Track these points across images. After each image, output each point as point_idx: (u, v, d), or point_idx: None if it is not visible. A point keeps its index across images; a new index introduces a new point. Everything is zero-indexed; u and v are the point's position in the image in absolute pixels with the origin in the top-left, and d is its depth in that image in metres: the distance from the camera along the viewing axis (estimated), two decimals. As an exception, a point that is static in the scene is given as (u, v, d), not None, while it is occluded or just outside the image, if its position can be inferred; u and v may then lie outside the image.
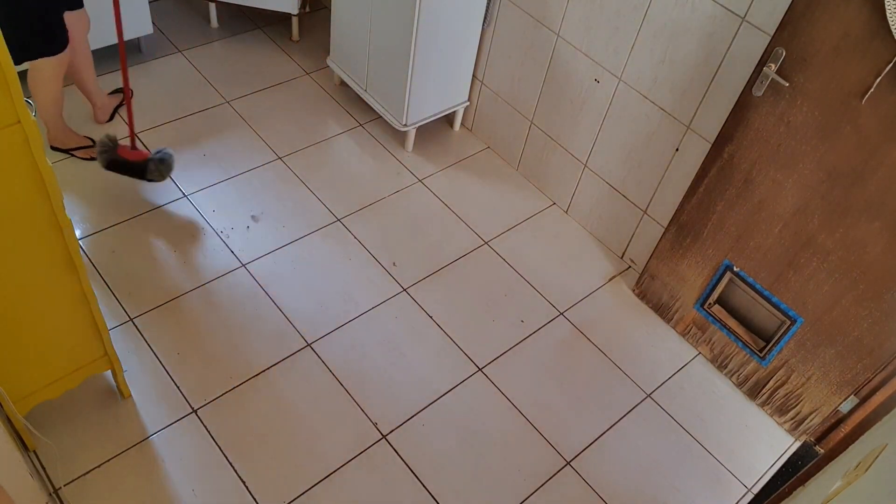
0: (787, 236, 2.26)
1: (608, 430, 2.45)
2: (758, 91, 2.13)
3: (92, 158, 2.88)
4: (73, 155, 2.92)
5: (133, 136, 2.72)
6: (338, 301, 2.64)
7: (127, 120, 2.74)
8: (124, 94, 2.83)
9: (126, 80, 2.63)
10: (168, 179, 2.82)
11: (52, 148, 2.91)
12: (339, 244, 2.82)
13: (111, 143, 2.69)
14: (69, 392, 2.13)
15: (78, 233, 2.65)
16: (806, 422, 2.50)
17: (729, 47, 2.27)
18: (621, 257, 2.98)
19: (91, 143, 2.94)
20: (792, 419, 2.53)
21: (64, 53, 2.61)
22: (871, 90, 1.90)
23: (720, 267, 2.49)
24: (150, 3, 3.20)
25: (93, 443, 2.16)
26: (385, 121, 3.28)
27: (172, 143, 3.05)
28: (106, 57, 3.30)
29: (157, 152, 2.73)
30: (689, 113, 2.47)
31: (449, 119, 3.38)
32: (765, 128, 2.17)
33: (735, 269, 2.45)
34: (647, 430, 2.47)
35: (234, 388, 2.35)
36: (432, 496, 2.21)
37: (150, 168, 2.70)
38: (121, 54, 2.58)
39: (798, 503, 1.49)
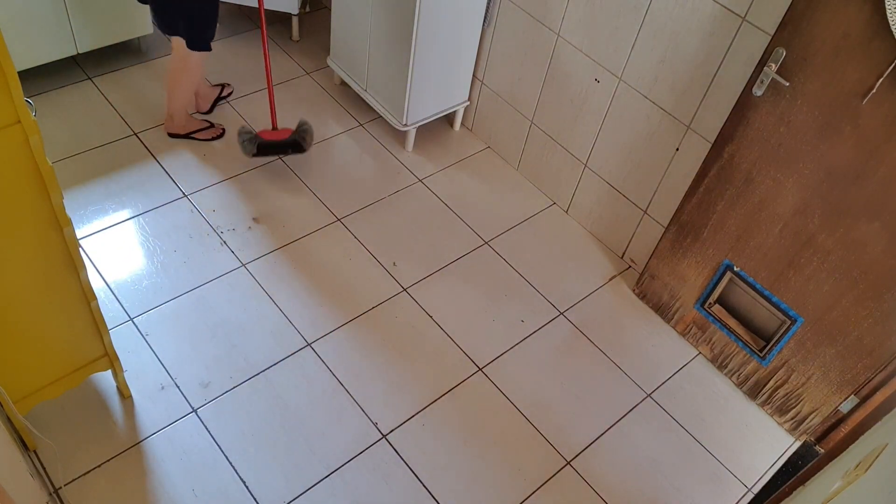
0: (788, 236, 2.26)
1: (608, 430, 2.45)
2: (758, 91, 2.12)
3: (214, 138, 3.07)
4: (193, 138, 3.05)
5: (274, 116, 2.92)
6: (338, 301, 2.64)
7: (269, 104, 2.90)
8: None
9: (267, 61, 2.82)
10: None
11: (171, 135, 3.05)
12: (339, 244, 2.82)
13: (251, 132, 2.88)
14: (69, 392, 2.13)
15: (78, 232, 2.65)
16: (806, 421, 2.50)
17: (729, 47, 2.27)
18: (621, 257, 2.98)
19: (209, 124, 3.09)
20: (792, 419, 2.53)
21: None
22: (873, 91, 1.89)
23: (720, 267, 2.49)
24: (150, 2, 3.20)
25: (93, 443, 2.16)
26: (385, 121, 3.28)
27: (172, 143, 3.05)
28: (115, 54, 3.30)
29: (300, 126, 2.94)
30: (690, 113, 2.47)
31: (449, 119, 3.38)
32: (765, 128, 2.17)
33: (735, 268, 2.45)
34: (648, 430, 2.47)
35: (234, 387, 2.35)
36: (432, 496, 2.21)
37: (301, 139, 2.92)
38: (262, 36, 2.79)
39: (798, 503, 1.49)
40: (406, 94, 2.98)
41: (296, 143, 2.92)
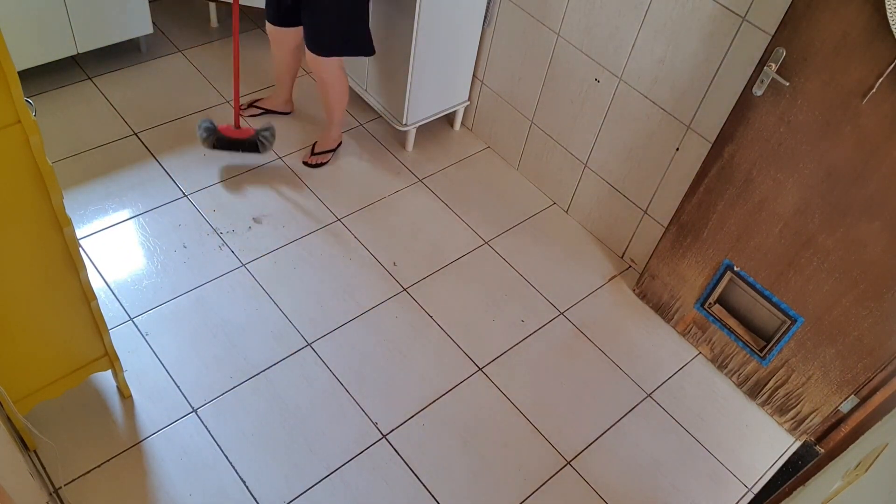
0: (788, 236, 2.26)
1: (608, 429, 2.45)
2: (758, 91, 2.13)
3: (320, 164, 3.10)
4: (326, 158, 3.11)
5: (237, 114, 2.90)
6: (338, 301, 2.64)
7: (234, 101, 2.91)
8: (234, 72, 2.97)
9: (236, 56, 2.75)
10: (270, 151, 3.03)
11: (310, 164, 3.09)
12: (339, 244, 2.82)
13: (212, 126, 2.89)
14: (69, 392, 2.13)
15: (78, 232, 2.65)
16: (806, 421, 2.50)
17: (729, 47, 2.27)
18: (621, 257, 2.98)
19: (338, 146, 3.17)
20: (792, 419, 2.53)
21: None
22: (873, 91, 1.89)
23: (720, 266, 2.49)
24: (150, 2, 3.20)
25: (93, 443, 2.16)
26: (385, 121, 3.28)
27: (172, 143, 3.05)
28: (115, 54, 3.30)
29: (264, 129, 2.94)
30: (690, 112, 2.47)
31: (449, 119, 3.38)
32: (765, 127, 2.17)
33: (735, 268, 2.45)
34: (648, 430, 2.47)
35: (234, 387, 2.35)
36: (432, 496, 2.21)
37: (260, 142, 2.93)
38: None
39: (798, 503, 1.49)
40: (406, 94, 2.98)
41: (253, 144, 2.93)
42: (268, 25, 2.86)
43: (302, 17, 2.68)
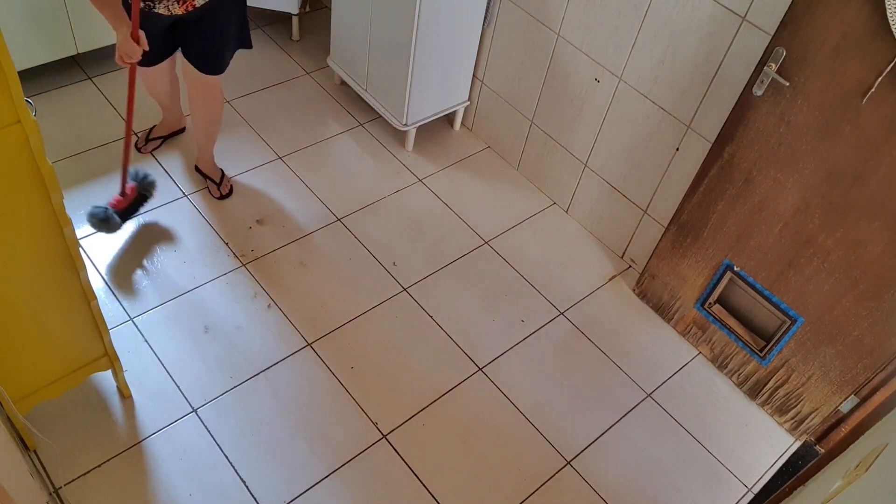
0: (788, 236, 2.26)
1: (608, 430, 2.45)
2: (758, 91, 2.13)
3: (224, 196, 2.89)
4: (229, 179, 2.93)
5: (124, 180, 2.65)
6: (338, 301, 2.64)
7: (122, 169, 2.63)
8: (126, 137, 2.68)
9: (130, 120, 2.56)
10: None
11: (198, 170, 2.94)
12: (339, 244, 2.82)
13: (102, 211, 2.60)
14: (69, 392, 2.13)
15: (78, 232, 2.65)
16: (806, 421, 2.50)
17: (729, 47, 2.27)
18: (621, 257, 2.98)
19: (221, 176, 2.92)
20: (792, 419, 2.53)
21: None
22: (873, 91, 1.89)
23: (720, 266, 2.49)
24: (150, 2, 3.20)
25: (93, 442, 2.16)
26: (385, 120, 3.28)
27: (172, 143, 3.05)
28: (110, 56, 3.30)
29: (137, 177, 2.71)
30: (690, 112, 2.47)
31: (449, 119, 3.38)
32: (765, 127, 2.17)
33: (735, 268, 2.45)
34: (648, 430, 2.47)
35: (234, 387, 2.35)
36: (432, 496, 2.21)
37: (146, 195, 2.74)
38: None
39: (798, 503, 1.49)
40: (406, 93, 2.98)
41: (143, 197, 2.74)
42: (140, 70, 2.60)
43: (188, 43, 2.50)
